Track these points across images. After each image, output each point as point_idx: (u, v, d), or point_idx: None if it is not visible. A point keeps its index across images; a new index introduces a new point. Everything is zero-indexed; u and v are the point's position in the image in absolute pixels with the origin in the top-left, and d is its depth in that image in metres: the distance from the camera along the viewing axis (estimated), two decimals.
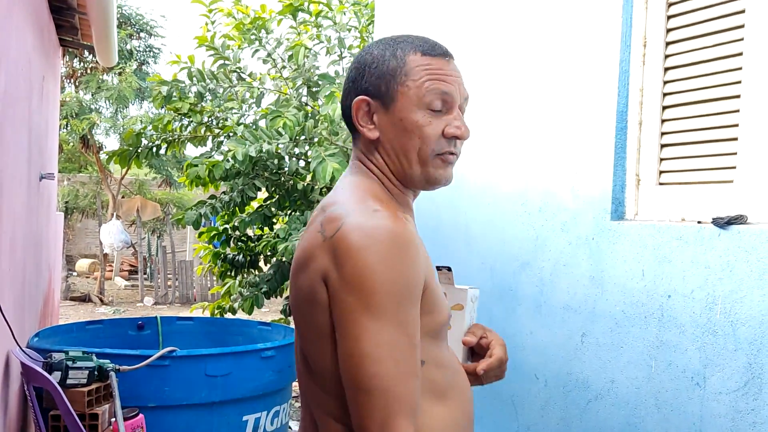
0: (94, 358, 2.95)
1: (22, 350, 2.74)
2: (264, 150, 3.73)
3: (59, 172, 14.49)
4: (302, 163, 5.08)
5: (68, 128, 10.47)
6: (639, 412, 1.89)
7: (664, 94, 1.95)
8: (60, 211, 11.03)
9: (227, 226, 5.26)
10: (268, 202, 4.96)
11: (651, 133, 1.98)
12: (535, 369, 2.25)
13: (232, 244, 5.37)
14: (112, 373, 2.90)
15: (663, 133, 1.96)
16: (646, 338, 1.88)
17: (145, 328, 4.62)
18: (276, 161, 4.87)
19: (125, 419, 2.89)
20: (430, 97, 1.13)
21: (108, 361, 2.97)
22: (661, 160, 1.97)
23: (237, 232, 5.14)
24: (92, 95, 11.38)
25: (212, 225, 5.36)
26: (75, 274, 13.70)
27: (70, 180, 12.89)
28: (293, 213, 4.78)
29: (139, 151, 4.84)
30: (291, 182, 4.91)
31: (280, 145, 3.84)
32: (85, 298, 10.34)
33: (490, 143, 2.52)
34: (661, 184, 1.97)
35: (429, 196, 2.84)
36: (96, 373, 2.92)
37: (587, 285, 2.06)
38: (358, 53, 1.22)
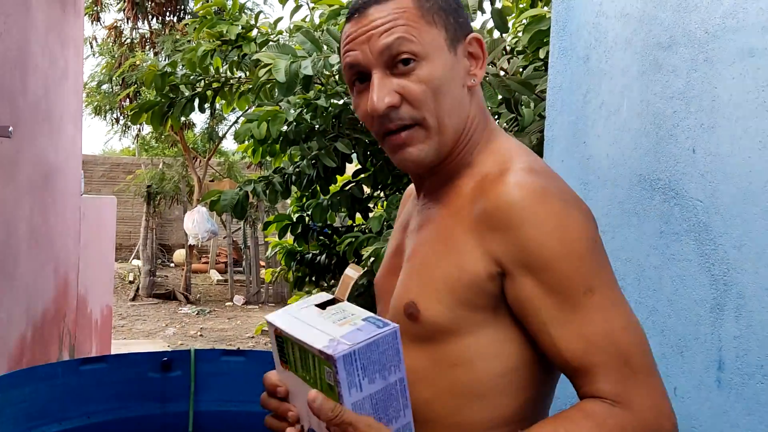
0: None
1: None
2: (330, 66, 1.97)
3: (145, 152, 13.34)
4: None
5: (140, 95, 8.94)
6: None
7: None
8: (141, 197, 9.94)
9: (305, 213, 3.64)
10: (360, 176, 3.25)
11: None
12: None
13: (312, 239, 3.74)
14: None
15: None
16: None
17: (174, 368, 3.05)
18: None
19: None
20: (347, 76, 0.93)
21: None
22: None
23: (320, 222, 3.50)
24: (167, 57, 9.71)
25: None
26: (172, 265, 12.77)
27: (165, 162, 11.82)
28: (395, 193, 3.04)
29: (174, 102, 3.27)
30: None
31: None
32: (169, 295, 9.15)
33: None
34: None
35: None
36: None
37: None
38: None
